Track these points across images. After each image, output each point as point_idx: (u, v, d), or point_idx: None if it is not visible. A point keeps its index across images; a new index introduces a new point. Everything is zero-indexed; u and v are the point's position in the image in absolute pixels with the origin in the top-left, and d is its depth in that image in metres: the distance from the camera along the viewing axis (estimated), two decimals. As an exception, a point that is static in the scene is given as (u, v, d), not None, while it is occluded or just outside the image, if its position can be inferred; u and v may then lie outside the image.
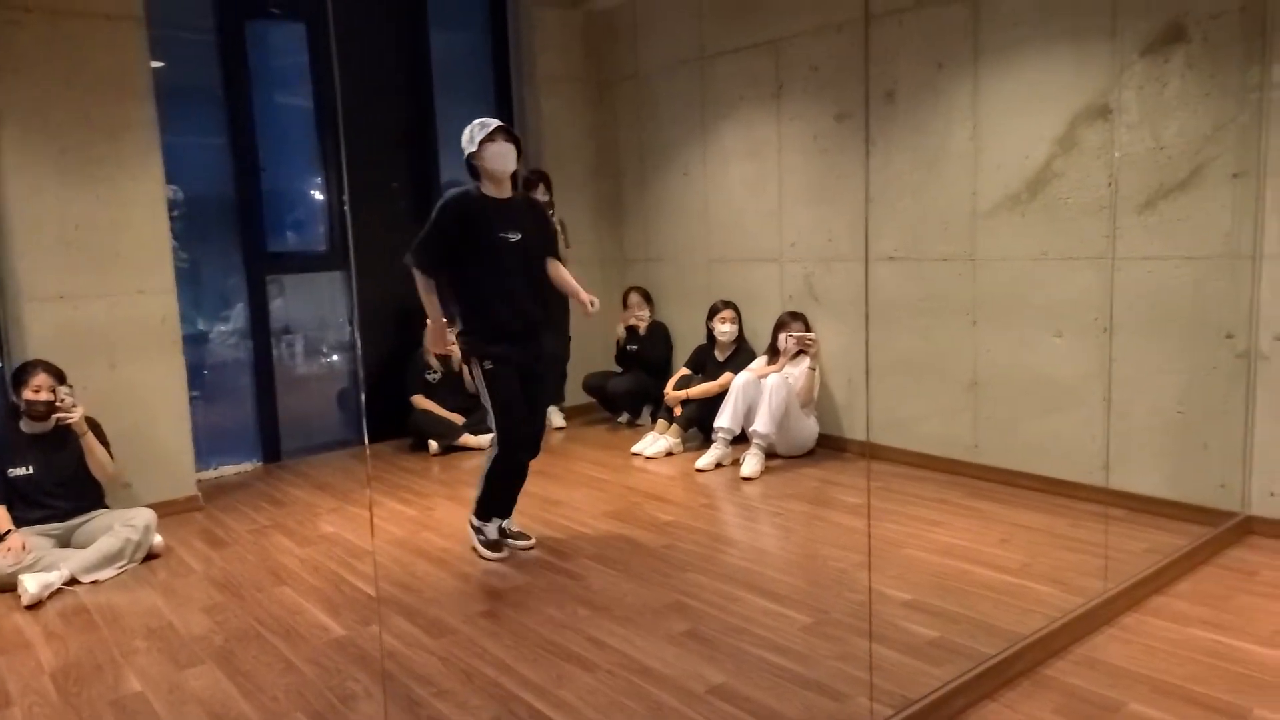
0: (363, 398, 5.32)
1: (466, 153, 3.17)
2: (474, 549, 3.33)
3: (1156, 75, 3.30)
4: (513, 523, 3.43)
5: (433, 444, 4.91)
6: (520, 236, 3.19)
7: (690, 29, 5.13)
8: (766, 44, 4.72)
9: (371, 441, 5.20)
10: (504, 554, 3.29)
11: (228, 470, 4.76)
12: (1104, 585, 2.67)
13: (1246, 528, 3.23)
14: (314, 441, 5.10)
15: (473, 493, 3.36)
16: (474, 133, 3.14)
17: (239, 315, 4.91)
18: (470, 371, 3.28)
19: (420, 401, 5.01)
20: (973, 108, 3.89)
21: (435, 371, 5.04)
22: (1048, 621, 2.46)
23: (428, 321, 3.31)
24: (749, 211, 4.98)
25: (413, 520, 3.82)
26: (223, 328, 4.93)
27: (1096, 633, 2.52)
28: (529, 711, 2.24)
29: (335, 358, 5.36)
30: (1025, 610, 2.63)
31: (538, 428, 3.36)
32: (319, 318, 5.29)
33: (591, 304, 3.31)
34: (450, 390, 5.02)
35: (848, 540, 3.36)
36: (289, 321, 5.17)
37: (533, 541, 3.38)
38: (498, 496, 3.32)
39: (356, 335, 5.29)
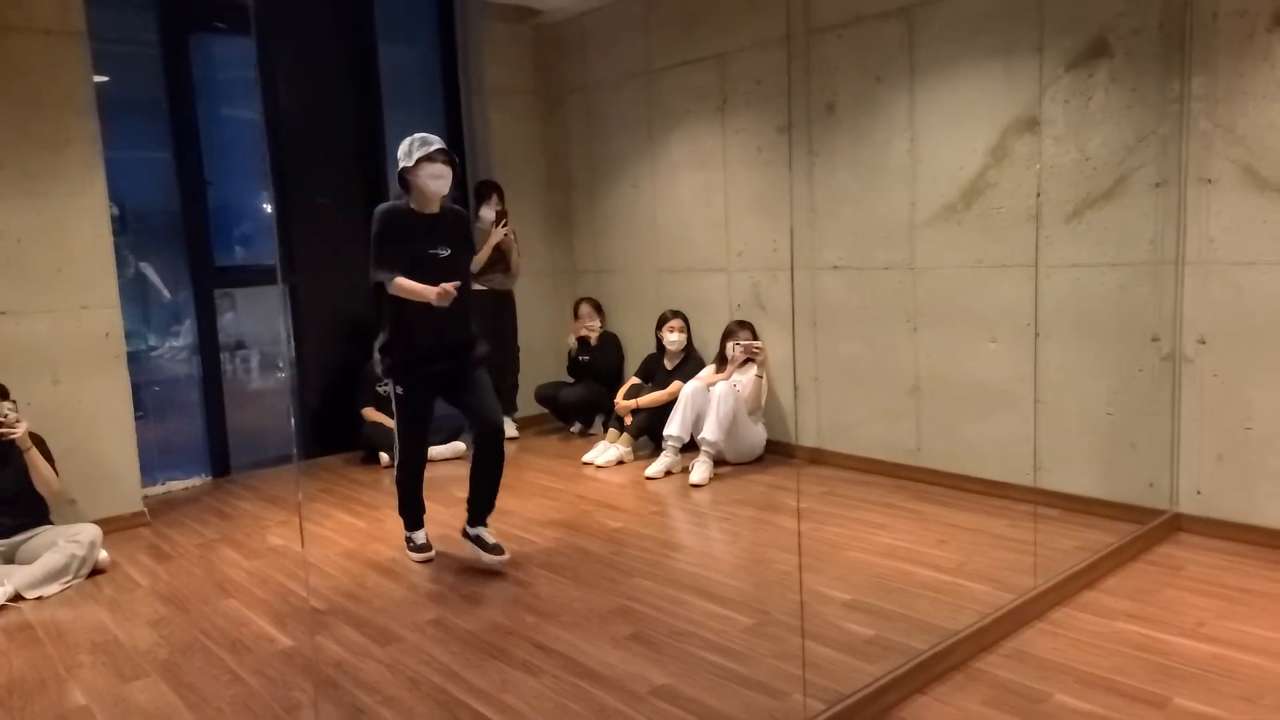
0: (292, 409, 5.27)
1: (401, 166, 3.13)
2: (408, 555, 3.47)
3: (1081, 89, 3.43)
4: (489, 533, 3.31)
5: (383, 456, 4.88)
6: (450, 253, 3.17)
7: (637, 43, 5.20)
8: (711, 58, 4.80)
9: (322, 454, 5.15)
10: (430, 555, 3.41)
11: (175, 486, 4.69)
12: (1034, 582, 2.76)
13: (1175, 525, 3.35)
14: (265, 456, 5.04)
15: (430, 505, 3.43)
16: (412, 148, 3.10)
17: (189, 330, 4.85)
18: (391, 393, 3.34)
19: (371, 414, 4.99)
20: (910, 120, 4.00)
21: (384, 383, 5.01)
22: (979, 618, 2.53)
23: (429, 293, 3.04)
24: (697, 222, 5.05)
25: (362, 532, 3.80)
26: (173, 343, 4.87)
27: (1027, 627, 2.60)
28: (473, 716, 2.25)
29: (288, 372, 5.32)
30: (959, 607, 2.70)
31: (495, 421, 3.24)
32: (273, 332, 5.25)
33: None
34: (400, 402, 4.99)
35: (792, 544, 3.42)
36: (242, 336, 5.12)
37: (505, 557, 3.24)
38: (406, 503, 3.44)
39: (292, 348, 5.24)
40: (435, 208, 3.19)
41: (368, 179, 5.39)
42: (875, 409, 4.31)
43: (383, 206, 3.20)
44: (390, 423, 4.90)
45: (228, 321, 5.00)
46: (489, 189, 5.29)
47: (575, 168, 5.79)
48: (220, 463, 4.88)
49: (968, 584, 2.92)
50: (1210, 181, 3.16)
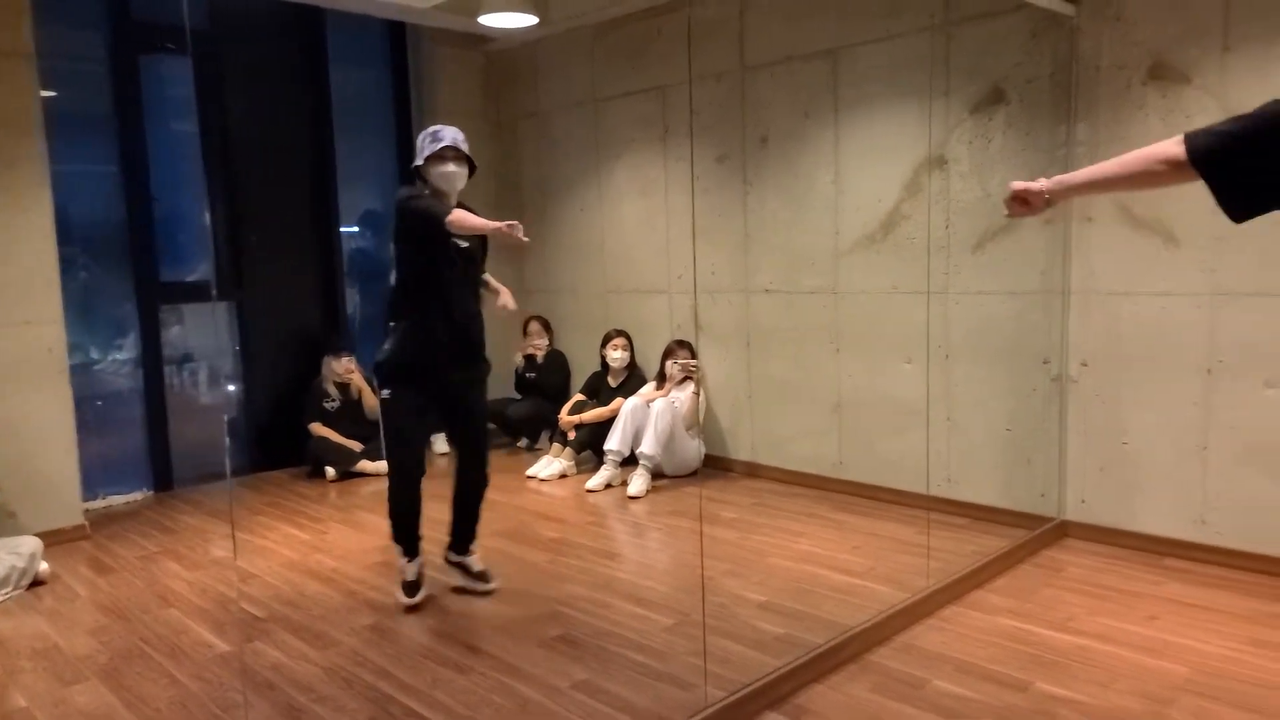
0: (233, 423, 5.37)
1: (415, 163, 3.05)
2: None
3: (983, 131, 3.73)
4: (475, 560, 3.29)
5: (330, 470, 5.01)
6: (469, 244, 3.10)
7: (584, 72, 5.44)
8: (654, 89, 5.05)
9: (268, 469, 5.26)
10: (418, 598, 3.13)
11: (117, 500, 4.77)
12: (927, 583, 3.01)
13: (1063, 531, 3.64)
14: (209, 470, 5.13)
15: (372, 517, 3.46)
16: (423, 145, 3.01)
17: (133, 344, 4.94)
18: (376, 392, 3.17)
19: (318, 429, 5.12)
20: (835, 154, 4.28)
21: (333, 399, 5.16)
22: (876, 615, 2.77)
23: (490, 227, 2.84)
24: (641, 246, 5.29)
25: (305, 543, 3.94)
26: (117, 356, 4.95)
27: (918, 623, 2.85)
28: (404, 711, 2.42)
29: (234, 386, 5.42)
30: (862, 607, 2.94)
31: (485, 451, 3.24)
32: (219, 346, 5.35)
33: (504, 307, 3.23)
34: (348, 418, 5.14)
35: (720, 551, 3.64)
36: (189, 349, 5.21)
37: (493, 586, 3.23)
38: (399, 526, 3.18)
39: (238, 363, 5.35)
40: (452, 201, 3.07)
41: (317, 199, 5.54)
42: (803, 425, 4.57)
43: (405, 188, 3.07)
44: (337, 438, 5.09)
45: (174, 335, 5.09)
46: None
47: (526, 191, 6.00)
48: (162, 477, 4.95)
49: (873, 586, 3.16)
50: (1091, 219, 3.47)
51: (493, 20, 4.73)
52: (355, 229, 5.87)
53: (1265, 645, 2.66)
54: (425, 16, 5.14)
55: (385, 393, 3.07)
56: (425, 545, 3.25)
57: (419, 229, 2.98)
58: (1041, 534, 3.54)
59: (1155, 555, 3.39)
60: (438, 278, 3.04)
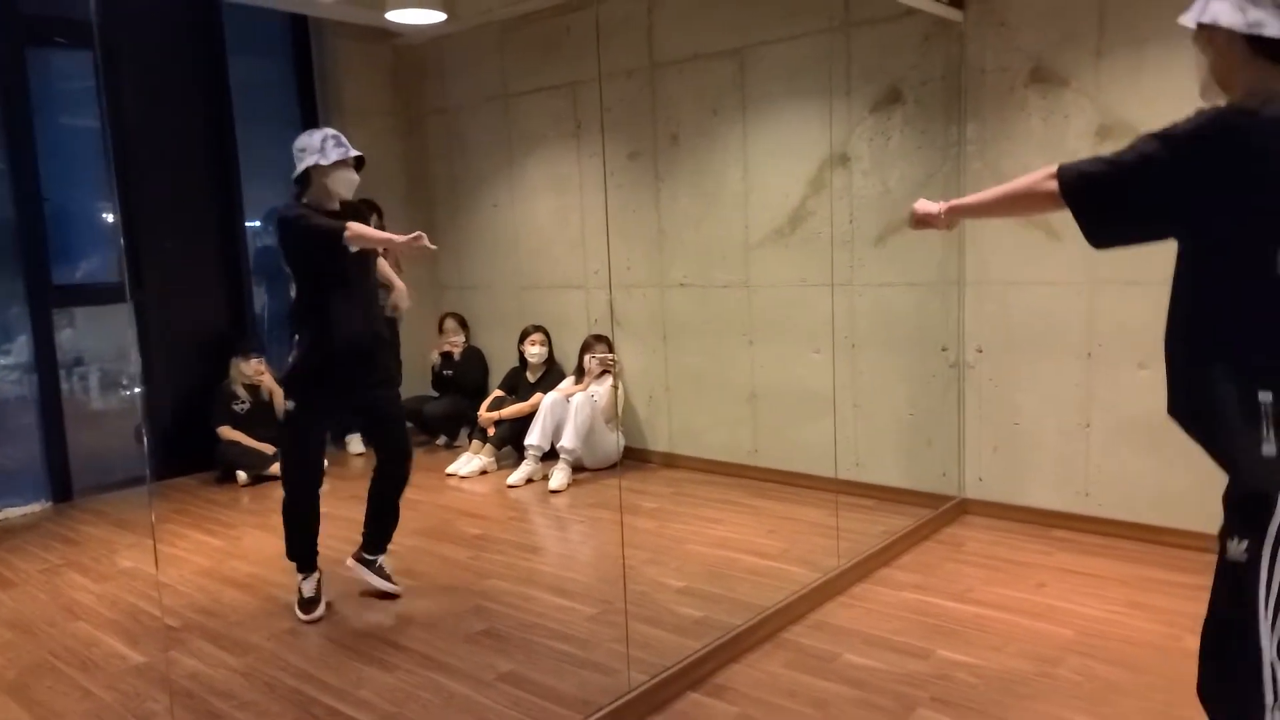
0: (142, 426, 5.21)
1: (312, 160, 2.94)
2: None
3: (882, 130, 3.91)
4: (386, 563, 3.28)
5: (241, 475, 4.90)
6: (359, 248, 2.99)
7: (494, 68, 5.43)
8: (565, 85, 5.09)
9: (176, 475, 5.11)
10: (318, 614, 3.07)
11: (14, 512, 4.57)
12: (837, 562, 3.16)
13: (963, 508, 3.86)
14: (111, 478, 4.95)
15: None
16: (326, 144, 2.95)
17: (21, 348, 4.72)
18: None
19: (227, 433, 5.00)
20: (743, 151, 4.40)
21: (243, 402, 5.05)
22: (790, 595, 2.90)
23: (395, 240, 2.83)
24: (556, 242, 5.32)
25: (219, 550, 3.86)
26: (4, 362, 4.73)
27: (829, 601, 3.00)
28: (327, 711, 2.43)
29: (135, 390, 5.23)
30: (777, 588, 3.06)
31: (408, 449, 3.23)
32: (116, 349, 5.16)
33: (394, 307, 3.26)
34: (260, 420, 5.03)
35: (641, 540, 3.73)
36: (81, 353, 5.00)
37: (399, 589, 3.22)
38: (296, 540, 3.13)
39: (142, 366, 5.18)
40: (335, 204, 3.06)
41: (219, 195, 5.38)
42: (718, 415, 4.69)
43: (287, 208, 3.01)
44: (248, 441, 4.97)
45: (65, 338, 4.88)
46: (369, 208, 5.40)
47: (437, 187, 5.96)
48: (61, 487, 4.76)
49: (787, 567, 3.30)
50: (983, 213, 3.68)
51: (399, 16, 4.68)
52: (260, 224, 5.73)
53: (1141, 607, 2.90)
54: (329, 10, 5.05)
55: (290, 404, 3.05)
56: (332, 548, 3.23)
57: (317, 248, 2.94)
58: (943, 512, 3.74)
59: (1044, 527, 3.63)
60: (336, 288, 3.02)
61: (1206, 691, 1.47)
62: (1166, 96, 3.19)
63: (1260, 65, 1.36)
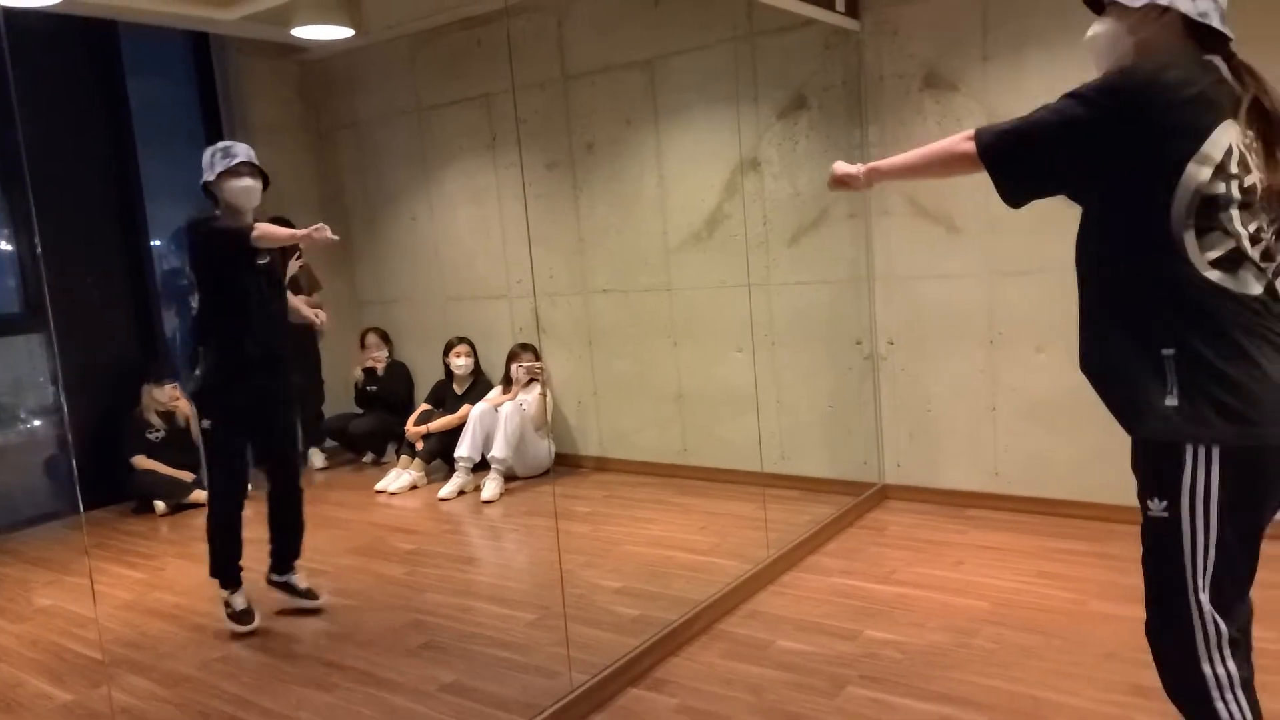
0: (70, 456, 5.03)
1: (204, 178, 2.99)
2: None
3: (789, 135, 4.06)
4: (299, 578, 3.30)
5: (159, 504, 4.77)
6: (269, 259, 3.11)
7: (406, 82, 5.41)
8: (479, 98, 5.11)
9: (91, 508, 4.93)
10: (254, 625, 3.09)
11: (-83, 558, 4.35)
12: (767, 553, 3.28)
13: (883, 494, 4.04)
14: (20, 516, 4.76)
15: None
16: (214, 160, 2.96)
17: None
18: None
19: (142, 462, 4.85)
20: (658, 158, 4.50)
21: (157, 430, 4.91)
22: (722, 588, 3.00)
23: (299, 235, 2.95)
24: (477, 253, 5.33)
25: (141, 582, 3.76)
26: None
27: (762, 590, 3.11)
28: (271, 735, 2.42)
29: (36, 423, 5.04)
30: (711, 582, 3.16)
31: (296, 463, 3.29)
32: (13, 381, 4.95)
33: (319, 319, 3.34)
34: (176, 447, 4.91)
35: (576, 545, 3.78)
36: (-15, 388, 4.80)
37: (321, 602, 3.26)
38: (221, 556, 3.12)
39: (55, 397, 5.00)
40: (248, 218, 3.06)
41: (123, 217, 5.23)
42: (647, 417, 4.78)
43: (196, 214, 3.06)
44: (165, 470, 4.84)
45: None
46: (281, 224, 5.31)
47: (351, 202, 5.89)
48: (-33, 527, 4.56)
49: (719, 561, 3.40)
50: (887, 212, 3.87)
51: (306, 32, 4.63)
52: (164, 245, 5.58)
53: (1049, 576, 3.09)
54: (232, 28, 4.96)
55: (205, 423, 3.08)
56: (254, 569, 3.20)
57: (222, 251, 2.97)
58: (865, 499, 3.91)
59: (959, 508, 3.83)
60: (243, 298, 3.03)
61: (1152, 632, 1.57)
62: (1048, 96, 3.39)
63: (1187, 46, 1.49)
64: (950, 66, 3.63)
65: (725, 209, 4.31)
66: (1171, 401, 1.44)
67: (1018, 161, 1.59)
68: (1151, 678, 2.10)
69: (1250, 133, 1.45)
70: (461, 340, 5.26)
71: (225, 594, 3.13)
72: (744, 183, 4.21)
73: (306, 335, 5.46)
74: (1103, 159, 1.50)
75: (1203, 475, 1.43)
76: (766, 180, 4.16)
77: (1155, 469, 1.49)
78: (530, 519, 4.27)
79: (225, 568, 3.13)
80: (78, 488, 3.01)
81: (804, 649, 2.67)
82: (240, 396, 3.07)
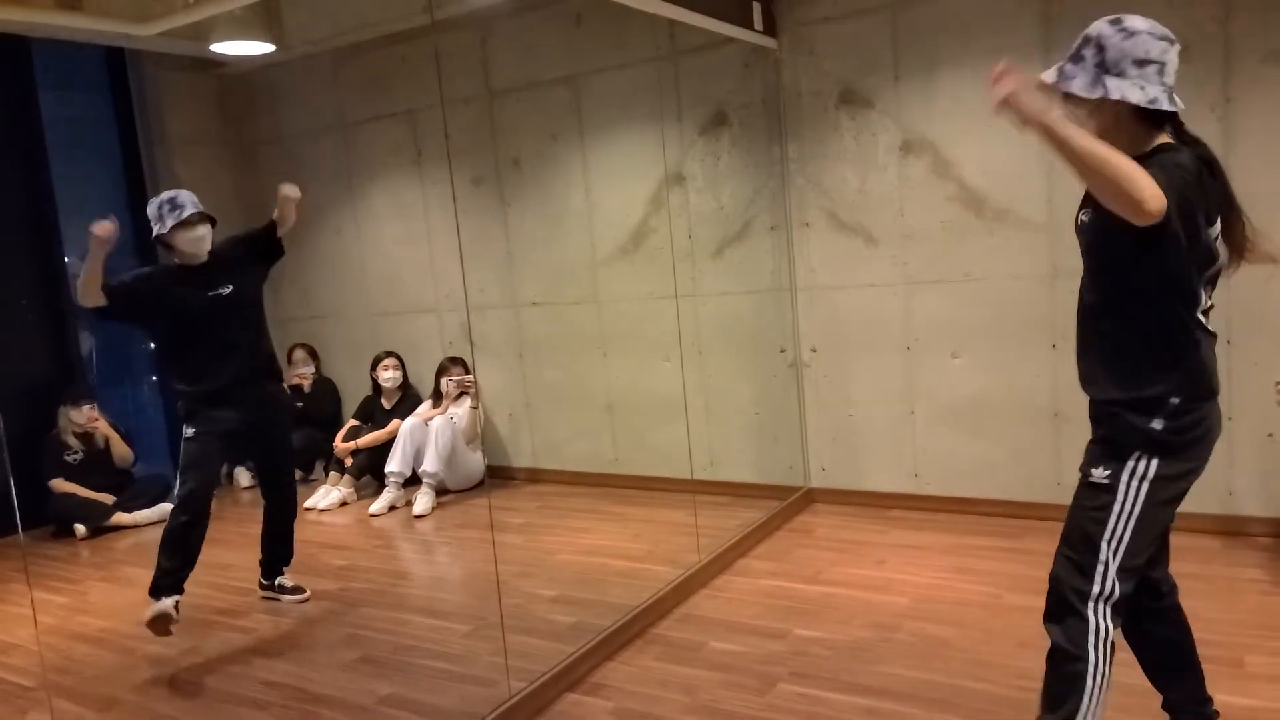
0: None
1: (156, 231, 3.12)
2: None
3: (712, 150, 4.18)
4: (287, 579, 3.52)
5: (79, 528, 4.62)
6: (232, 289, 3.22)
7: (328, 97, 5.37)
8: (403, 113, 5.11)
9: (4, 534, 4.73)
10: (170, 623, 3.03)
11: None
12: (699, 557, 3.37)
13: (809, 497, 4.17)
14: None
15: (136, 571, 3.30)
16: (163, 213, 3.09)
17: None
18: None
19: (60, 485, 4.69)
20: (584, 173, 4.57)
21: (75, 452, 4.76)
22: (655, 593, 3.08)
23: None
24: (404, 267, 5.32)
25: (65, 607, 3.65)
26: None
27: (694, 594, 3.20)
28: (204, 758, 2.39)
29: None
30: (644, 587, 3.22)
31: (286, 481, 3.47)
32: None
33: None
34: (95, 469, 4.77)
35: (511, 555, 3.81)
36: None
37: (307, 595, 3.48)
38: (171, 560, 3.05)
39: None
40: (204, 257, 3.21)
41: (35, 234, 5.06)
42: (578, 427, 4.84)
43: (145, 271, 3.25)
44: (85, 493, 4.69)
45: None
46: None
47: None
48: None
49: (652, 567, 3.47)
50: (808, 225, 4.02)
51: (226, 48, 4.57)
52: (74, 262, 5.42)
53: (965, 571, 3.25)
54: (150, 43, 4.85)
55: (189, 431, 3.15)
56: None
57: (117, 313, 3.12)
58: (792, 502, 4.04)
59: (881, 509, 3.99)
60: (199, 331, 3.17)
61: (1055, 571, 1.80)
62: (956, 114, 3.60)
63: (1141, 128, 1.65)
64: (865, 84, 3.80)
65: (651, 222, 4.41)
66: (1157, 425, 1.68)
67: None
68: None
69: None
70: (389, 354, 5.23)
71: (160, 601, 2.99)
72: (669, 197, 4.32)
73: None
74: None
75: (1142, 469, 1.70)
76: (691, 194, 4.27)
77: (1110, 445, 1.74)
78: (463, 532, 4.27)
79: (176, 578, 3.04)
80: (16, 509, 2.92)
81: (736, 649, 2.76)
82: (225, 419, 3.17)
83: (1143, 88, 1.60)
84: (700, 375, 4.37)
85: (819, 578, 3.28)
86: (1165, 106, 1.61)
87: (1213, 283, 1.72)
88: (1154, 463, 1.69)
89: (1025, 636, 2.66)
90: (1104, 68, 1.62)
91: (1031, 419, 3.62)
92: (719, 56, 4.07)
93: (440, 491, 4.77)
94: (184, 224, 3.11)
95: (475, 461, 4.98)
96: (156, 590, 3.04)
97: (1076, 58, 1.65)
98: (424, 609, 3.31)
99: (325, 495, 4.90)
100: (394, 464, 4.76)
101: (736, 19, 3.67)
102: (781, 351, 4.18)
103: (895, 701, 2.39)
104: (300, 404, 5.52)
